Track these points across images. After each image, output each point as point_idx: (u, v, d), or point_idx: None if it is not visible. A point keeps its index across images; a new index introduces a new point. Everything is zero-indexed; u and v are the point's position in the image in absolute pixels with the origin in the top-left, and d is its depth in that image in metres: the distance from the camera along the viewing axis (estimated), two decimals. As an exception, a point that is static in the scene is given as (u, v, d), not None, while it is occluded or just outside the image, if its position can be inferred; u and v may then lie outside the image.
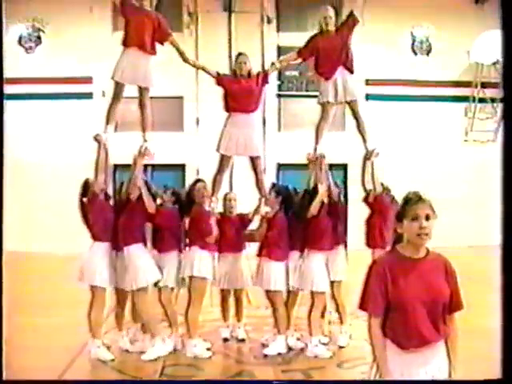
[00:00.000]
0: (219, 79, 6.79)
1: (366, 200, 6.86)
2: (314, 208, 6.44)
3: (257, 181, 6.95)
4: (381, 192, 6.80)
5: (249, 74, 6.75)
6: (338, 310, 6.84)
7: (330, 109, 6.90)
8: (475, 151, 15.37)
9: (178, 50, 6.78)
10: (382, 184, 6.98)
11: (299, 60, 7.08)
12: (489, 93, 15.41)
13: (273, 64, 6.98)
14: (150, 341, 6.31)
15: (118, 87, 6.55)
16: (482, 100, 15.74)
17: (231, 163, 6.97)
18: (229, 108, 6.74)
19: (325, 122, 6.94)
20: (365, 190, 6.92)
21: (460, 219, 13.43)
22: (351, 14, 6.79)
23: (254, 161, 6.90)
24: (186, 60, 6.86)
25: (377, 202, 6.75)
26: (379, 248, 6.31)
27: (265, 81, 6.83)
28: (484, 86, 15.56)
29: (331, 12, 6.80)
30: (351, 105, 6.92)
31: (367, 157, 6.95)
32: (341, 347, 6.61)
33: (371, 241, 6.68)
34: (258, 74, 6.79)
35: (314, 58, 6.85)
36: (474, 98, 15.92)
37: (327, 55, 6.75)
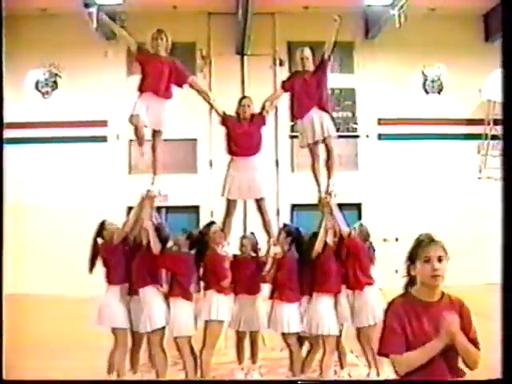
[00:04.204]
0: (224, 119, 6.89)
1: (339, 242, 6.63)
2: (317, 247, 6.42)
3: (263, 222, 6.99)
4: (349, 233, 6.61)
5: (252, 118, 6.84)
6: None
7: (316, 148, 6.94)
8: (489, 188, 15.29)
9: (197, 90, 6.93)
10: (361, 224, 6.95)
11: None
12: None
13: (264, 105, 6.92)
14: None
15: (138, 130, 6.57)
16: (494, 137, 15.72)
17: (237, 206, 7.00)
18: (231, 151, 6.84)
19: (317, 162, 6.97)
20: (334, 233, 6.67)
21: (476, 257, 13.31)
22: (323, 56, 6.86)
23: (258, 203, 6.96)
24: (205, 98, 6.94)
25: (351, 243, 6.57)
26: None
27: (262, 123, 6.91)
28: (496, 123, 15.56)
29: (307, 53, 6.89)
30: (326, 141, 6.87)
31: (326, 197, 6.76)
32: None
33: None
34: (255, 116, 6.85)
35: (290, 94, 6.94)
36: (486, 135, 15.93)
37: (301, 95, 6.84)
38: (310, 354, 6.60)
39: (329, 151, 6.92)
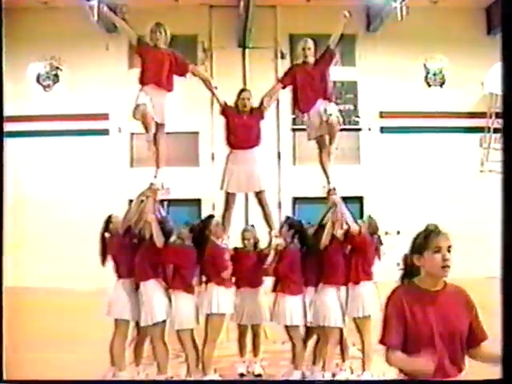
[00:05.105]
0: (224, 109, 6.86)
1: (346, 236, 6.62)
2: (324, 240, 6.43)
3: (264, 215, 6.96)
4: (359, 230, 6.59)
5: (251, 111, 6.80)
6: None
7: (323, 140, 6.89)
8: (491, 181, 15.26)
9: (200, 77, 6.93)
10: (370, 216, 6.94)
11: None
12: (504, 123, 15.35)
13: (263, 101, 6.85)
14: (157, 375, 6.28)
15: (146, 119, 6.51)
16: (496, 130, 15.68)
17: (239, 199, 7.02)
18: (229, 144, 6.82)
19: (326, 154, 6.90)
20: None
21: (478, 250, 13.30)
22: (328, 49, 6.81)
23: (258, 196, 6.93)
24: (207, 85, 6.90)
25: (359, 239, 6.56)
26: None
27: (260, 117, 6.85)
28: (499, 116, 15.50)
29: (310, 44, 6.84)
30: (329, 122, 6.74)
31: (330, 193, 6.73)
32: None
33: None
34: (254, 110, 6.80)
35: (292, 88, 6.88)
36: (488, 128, 15.89)
37: (304, 87, 6.79)
38: (319, 345, 6.57)
39: (332, 136, 6.81)
